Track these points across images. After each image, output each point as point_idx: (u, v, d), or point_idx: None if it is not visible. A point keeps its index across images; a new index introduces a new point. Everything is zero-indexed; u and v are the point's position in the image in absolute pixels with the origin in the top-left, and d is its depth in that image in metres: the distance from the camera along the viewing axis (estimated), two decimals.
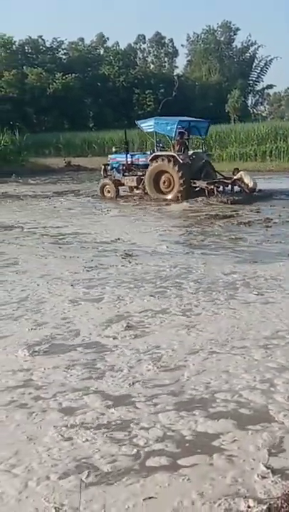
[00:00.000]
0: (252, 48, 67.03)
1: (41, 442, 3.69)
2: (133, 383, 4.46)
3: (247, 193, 15.44)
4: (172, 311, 6.17)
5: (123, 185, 17.03)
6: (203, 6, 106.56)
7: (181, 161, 15.41)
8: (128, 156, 17.09)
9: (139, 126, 17.35)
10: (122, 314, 6.12)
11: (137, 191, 16.54)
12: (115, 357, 5.00)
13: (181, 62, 78.83)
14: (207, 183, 15.48)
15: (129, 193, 16.93)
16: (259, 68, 66.63)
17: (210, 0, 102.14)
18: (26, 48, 56.50)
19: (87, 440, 3.69)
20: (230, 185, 15.96)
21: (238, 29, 67.37)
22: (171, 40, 69.88)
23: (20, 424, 3.91)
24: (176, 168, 15.37)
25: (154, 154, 16.12)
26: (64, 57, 58.19)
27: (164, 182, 15.75)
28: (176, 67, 69.37)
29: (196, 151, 17.11)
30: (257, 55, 66.34)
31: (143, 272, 7.92)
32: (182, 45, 71.28)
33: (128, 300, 6.63)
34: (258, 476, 3.25)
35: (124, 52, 60.55)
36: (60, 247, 9.92)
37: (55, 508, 3.04)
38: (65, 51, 58.81)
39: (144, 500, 3.08)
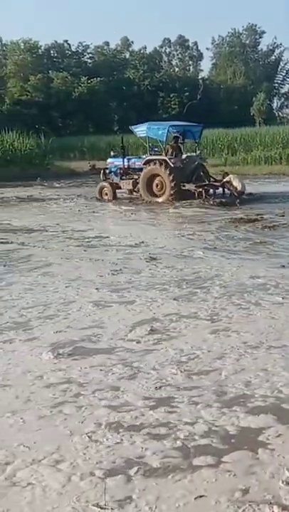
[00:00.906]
0: (277, 51, 66.72)
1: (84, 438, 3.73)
2: (172, 380, 4.44)
3: (236, 196, 15.69)
4: (202, 314, 6.13)
5: (120, 188, 17.52)
6: (228, 9, 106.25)
7: (172, 165, 15.83)
8: (125, 160, 17.54)
9: (133, 131, 17.80)
10: (152, 317, 6.10)
11: (136, 194, 16.95)
12: (150, 357, 4.98)
13: (206, 66, 78.82)
14: (196, 186, 15.89)
15: (129, 195, 17.37)
16: (284, 71, 66.35)
17: (235, 3, 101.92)
18: (52, 52, 56.99)
19: (130, 437, 3.71)
20: (221, 188, 16.25)
21: (263, 32, 67.20)
22: (196, 44, 69.86)
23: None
24: (168, 171, 15.82)
25: (147, 158, 16.62)
26: (89, 61, 58.55)
27: (157, 185, 16.23)
28: (201, 70, 69.37)
29: (189, 154, 17.47)
30: (283, 58, 65.93)
31: (171, 275, 7.90)
32: (207, 49, 71.33)
33: (159, 302, 6.63)
34: None
35: (149, 56, 60.66)
36: (84, 250, 9.96)
37: (97, 504, 3.04)
38: (90, 55, 59.13)
39: (195, 499, 3.07)
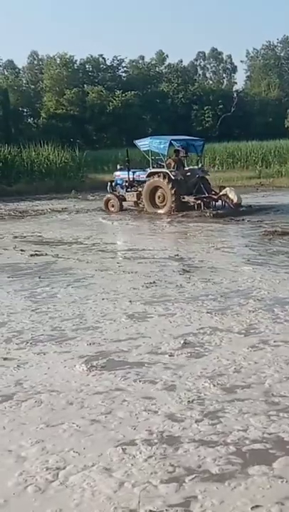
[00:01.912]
0: None
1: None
2: (207, 393, 4.42)
3: (232, 208, 16.18)
4: (237, 328, 6.09)
5: (126, 200, 17.92)
6: (262, 21, 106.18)
7: (173, 178, 16.31)
8: (130, 172, 18.01)
9: (137, 144, 18.27)
10: (186, 330, 6.08)
11: (141, 206, 17.33)
12: (183, 370, 4.97)
13: (240, 78, 78.68)
14: (195, 198, 16.35)
15: (133, 207, 17.71)
16: None
17: (270, 16, 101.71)
18: (87, 66, 57.71)
19: (181, 443, 3.77)
20: (220, 201, 16.67)
21: None
22: (230, 57, 69.96)
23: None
24: (169, 184, 16.27)
25: (150, 171, 17.15)
26: (124, 74, 59.10)
27: (159, 197, 16.74)
28: (235, 83, 69.35)
29: (191, 167, 18.03)
30: None
31: (207, 288, 7.88)
32: (241, 61, 71.34)
33: (194, 315, 6.61)
34: None
35: (183, 69, 60.95)
36: (117, 263, 10.00)
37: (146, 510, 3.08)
38: (125, 69, 59.70)
39: (251, 509, 3.10)
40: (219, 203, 16.70)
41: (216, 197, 16.76)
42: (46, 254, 10.96)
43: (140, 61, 62.02)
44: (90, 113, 48.61)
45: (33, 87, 56.99)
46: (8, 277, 9.06)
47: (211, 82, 66.70)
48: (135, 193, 17.54)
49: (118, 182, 18.46)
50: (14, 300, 7.62)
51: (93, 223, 16.04)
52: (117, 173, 18.86)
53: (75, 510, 3.15)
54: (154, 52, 66.82)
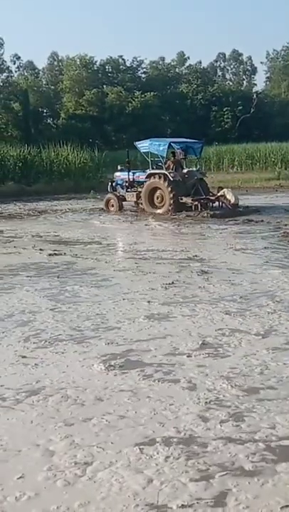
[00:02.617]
0: None
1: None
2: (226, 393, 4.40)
3: (230, 209, 16.57)
4: (256, 329, 6.06)
5: (126, 200, 18.37)
6: (283, 22, 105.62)
7: (172, 179, 16.70)
8: (130, 173, 18.46)
9: (136, 146, 18.68)
10: (204, 331, 6.06)
11: (141, 205, 17.67)
12: (200, 371, 4.95)
13: (260, 80, 78.18)
14: (192, 200, 16.76)
15: (135, 207, 18.11)
16: None
17: None
18: (107, 67, 57.86)
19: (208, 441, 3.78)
20: (217, 202, 17.04)
21: None
22: (250, 58, 69.68)
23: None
24: (167, 184, 16.69)
25: (149, 172, 17.56)
26: (143, 75, 59.14)
27: (158, 197, 17.16)
28: (255, 84, 69.03)
29: (189, 169, 18.26)
30: None
31: (225, 289, 7.85)
32: (261, 63, 70.97)
33: (212, 316, 6.59)
34: None
35: (203, 71, 60.87)
36: (136, 263, 10.00)
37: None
38: (144, 70, 59.77)
39: (281, 508, 3.10)
40: (217, 204, 17.06)
41: (213, 198, 17.17)
42: (65, 254, 10.99)
43: (160, 62, 62.03)
44: (109, 114, 48.75)
45: (52, 87, 57.28)
46: (28, 276, 9.09)
47: (230, 83, 66.49)
48: (135, 193, 17.97)
49: (118, 182, 18.96)
50: (36, 299, 7.63)
51: (110, 223, 16.09)
52: (118, 173, 19.31)
53: (102, 503, 3.18)
54: (175, 53, 66.58)
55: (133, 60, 58.47)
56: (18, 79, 54.68)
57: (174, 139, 19.60)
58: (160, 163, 17.63)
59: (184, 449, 3.72)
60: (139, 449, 3.74)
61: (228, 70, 70.93)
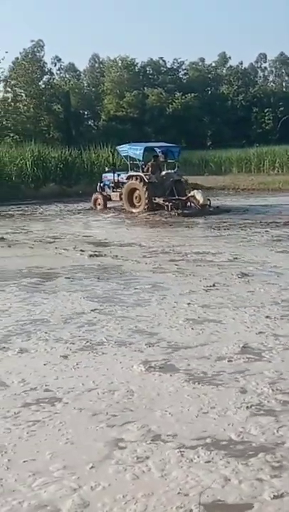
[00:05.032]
0: None
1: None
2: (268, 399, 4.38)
3: (199, 209, 17.73)
4: None
5: (111, 199, 19.83)
6: None
7: (147, 181, 17.94)
8: (115, 174, 19.85)
9: (118, 150, 20.67)
10: (244, 336, 6.03)
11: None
12: (241, 376, 4.93)
13: None
14: (164, 200, 17.97)
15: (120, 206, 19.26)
16: None
17: None
18: (148, 69, 58.00)
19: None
20: (189, 202, 18.16)
21: None
22: None
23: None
24: (143, 186, 17.93)
25: (128, 174, 18.99)
26: (184, 77, 59.09)
27: (136, 197, 18.51)
28: None
29: (167, 171, 19.22)
30: None
31: (266, 292, 7.79)
32: None
33: (253, 319, 6.54)
34: None
35: (244, 72, 60.43)
36: (176, 265, 9.99)
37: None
38: (185, 71, 59.72)
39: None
40: (189, 204, 18.14)
41: (184, 199, 18.22)
42: (105, 255, 11.08)
43: (200, 63, 61.86)
44: (150, 115, 48.90)
45: (93, 89, 57.76)
46: (69, 278, 9.19)
47: (273, 84, 65.85)
48: (118, 194, 19.35)
49: (106, 183, 20.37)
50: (80, 301, 7.68)
51: (152, 224, 16.18)
52: (105, 174, 20.75)
53: (163, 497, 3.27)
54: (216, 54, 66.21)
55: (174, 62, 58.54)
56: (60, 81, 55.28)
57: (149, 144, 21.50)
58: (139, 166, 18.77)
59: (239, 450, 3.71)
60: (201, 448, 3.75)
61: (271, 71, 70.22)
